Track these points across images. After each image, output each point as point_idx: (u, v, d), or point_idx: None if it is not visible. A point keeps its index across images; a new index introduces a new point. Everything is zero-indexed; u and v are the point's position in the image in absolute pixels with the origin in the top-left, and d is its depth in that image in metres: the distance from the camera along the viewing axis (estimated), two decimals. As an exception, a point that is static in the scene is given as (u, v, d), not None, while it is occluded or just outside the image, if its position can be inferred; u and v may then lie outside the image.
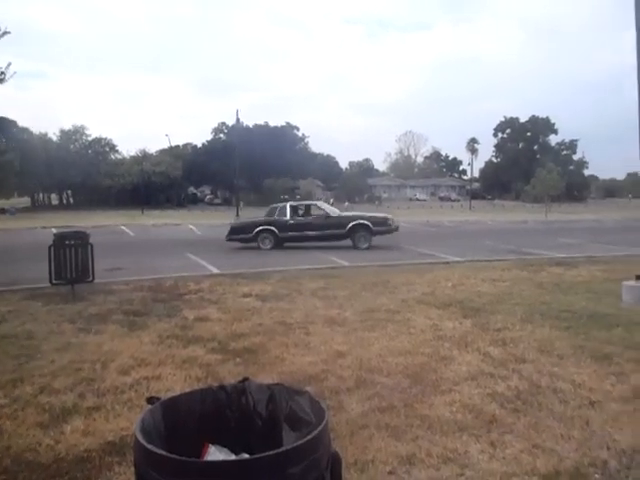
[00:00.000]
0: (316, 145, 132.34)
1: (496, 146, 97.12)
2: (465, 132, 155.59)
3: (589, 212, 49.81)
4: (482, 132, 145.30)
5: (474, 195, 77.04)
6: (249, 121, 72.71)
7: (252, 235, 16.49)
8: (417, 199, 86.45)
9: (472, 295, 7.95)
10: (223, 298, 7.95)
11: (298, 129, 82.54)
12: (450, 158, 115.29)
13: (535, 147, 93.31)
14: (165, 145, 74.96)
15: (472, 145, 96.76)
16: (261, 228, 16.52)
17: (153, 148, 72.37)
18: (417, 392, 4.22)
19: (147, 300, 7.88)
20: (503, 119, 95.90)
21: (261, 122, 75.66)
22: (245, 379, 1.95)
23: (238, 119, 43.32)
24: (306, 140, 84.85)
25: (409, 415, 3.78)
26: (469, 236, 22.59)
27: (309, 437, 1.46)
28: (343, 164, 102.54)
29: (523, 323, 6.23)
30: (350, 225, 16.49)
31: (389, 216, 18.41)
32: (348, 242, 16.55)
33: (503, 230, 25.99)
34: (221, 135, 78.20)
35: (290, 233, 16.61)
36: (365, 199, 78.86)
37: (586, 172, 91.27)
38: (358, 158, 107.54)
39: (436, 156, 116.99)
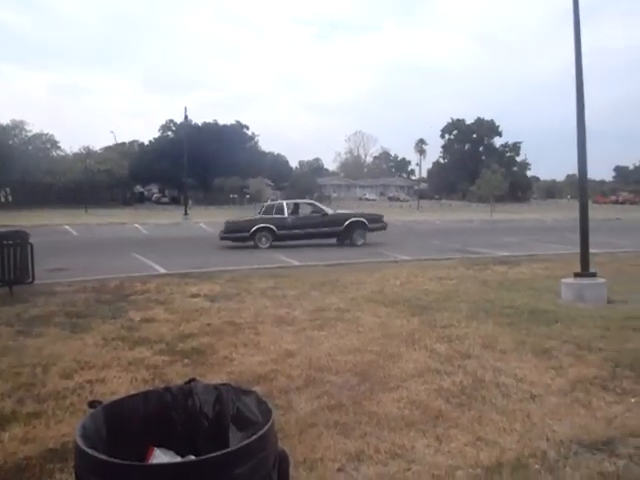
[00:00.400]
0: (266, 144, 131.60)
1: (443, 147, 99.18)
2: (414, 133, 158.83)
3: (531, 212, 51.55)
4: (430, 133, 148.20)
5: (422, 195, 78.45)
6: (199, 119, 71.65)
7: (249, 234, 16.40)
8: (366, 199, 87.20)
9: (420, 293, 8.10)
10: (171, 298, 7.81)
11: (248, 128, 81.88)
12: (399, 158, 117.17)
13: (480, 148, 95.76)
14: (110, 142, 72.94)
15: (420, 146, 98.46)
16: (259, 226, 16.45)
17: (98, 145, 70.24)
18: (365, 389, 4.26)
19: (91, 301, 7.66)
20: (450, 121, 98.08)
21: (210, 120, 74.71)
22: (192, 380, 1.92)
23: (186, 116, 42.47)
24: (256, 139, 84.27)
25: (357, 412, 3.82)
26: (417, 235, 22.99)
27: (255, 437, 1.46)
28: (293, 163, 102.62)
29: (468, 320, 6.39)
30: (347, 222, 16.99)
31: (381, 214, 19.21)
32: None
33: (450, 229, 26.61)
34: (169, 133, 76.71)
35: (288, 231, 16.65)
36: (315, 198, 79.03)
37: (529, 173, 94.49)
38: (308, 157, 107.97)
39: (385, 156, 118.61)
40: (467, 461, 3.13)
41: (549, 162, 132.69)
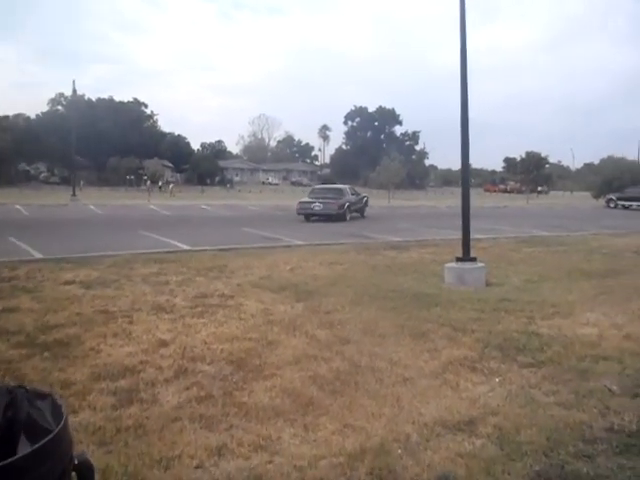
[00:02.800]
0: (167, 124, 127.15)
1: (346, 134, 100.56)
2: (318, 119, 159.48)
3: (427, 199, 53.66)
4: (334, 119, 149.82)
5: (325, 180, 79.11)
6: (95, 95, 67.65)
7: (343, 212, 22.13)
8: (270, 183, 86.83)
9: (308, 278, 8.06)
10: (41, 286, 7.20)
11: (147, 106, 78.62)
12: (303, 143, 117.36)
13: (382, 136, 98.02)
14: (-11, 114, 66.89)
15: (324, 132, 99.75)
16: (347, 205, 22.39)
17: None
18: (239, 379, 4.11)
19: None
20: (353, 108, 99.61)
21: (105, 96, 70.86)
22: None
23: (75, 90, 39.64)
24: (155, 118, 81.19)
25: (226, 404, 3.66)
26: (315, 220, 23.08)
27: (41, 444, 1.25)
28: (195, 145, 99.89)
29: (352, 305, 6.41)
30: (364, 200, 25.45)
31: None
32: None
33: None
34: (59, 107, 71.84)
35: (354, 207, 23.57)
36: (216, 182, 77.54)
37: (427, 162, 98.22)
38: (211, 139, 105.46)
39: (289, 141, 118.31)
40: (331, 449, 3.08)
41: (446, 151, 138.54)
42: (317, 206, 21.64)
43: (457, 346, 4.94)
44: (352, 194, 24.11)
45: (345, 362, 4.50)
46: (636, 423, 3.40)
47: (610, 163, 59.81)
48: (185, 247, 11.77)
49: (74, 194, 33.13)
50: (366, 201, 25.73)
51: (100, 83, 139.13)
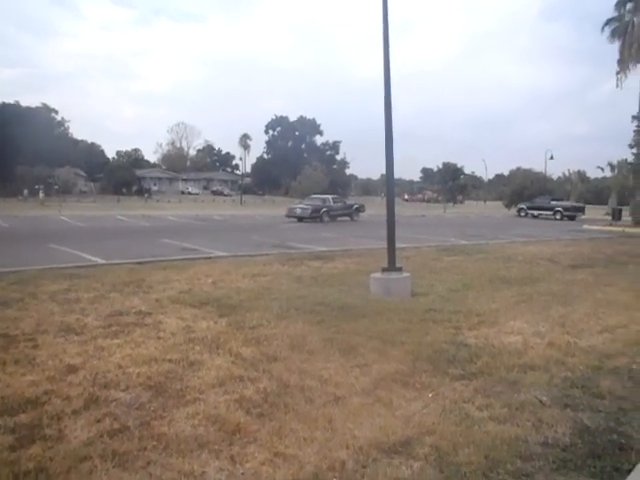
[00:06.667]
0: (80, 132, 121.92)
1: (267, 143, 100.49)
2: (239, 128, 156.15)
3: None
4: (255, 129, 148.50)
5: (246, 190, 78.38)
6: (-1, 99, 63.38)
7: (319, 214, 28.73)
8: (189, 193, 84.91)
9: (231, 292, 7.73)
10: None
11: (57, 112, 74.86)
12: (223, 152, 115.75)
13: (303, 146, 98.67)
14: None
15: (245, 141, 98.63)
16: (324, 210, 29.09)
17: None
18: (157, 406, 3.77)
19: None
20: (274, 117, 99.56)
21: (11, 101, 66.59)
22: None
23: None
24: (67, 125, 77.44)
25: (144, 436, 3.31)
26: (237, 230, 22.66)
27: None
28: (111, 153, 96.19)
29: (278, 319, 6.16)
30: (354, 207, 32.50)
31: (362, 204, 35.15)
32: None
33: (270, 224, 26.70)
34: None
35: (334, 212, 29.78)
36: (134, 191, 74.86)
37: (347, 172, 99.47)
38: (127, 148, 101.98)
39: (209, 150, 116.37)
40: (262, 484, 2.82)
41: (366, 161, 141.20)
42: (298, 210, 29.06)
43: (387, 360, 4.82)
44: (335, 202, 31.00)
45: (273, 382, 4.25)
46: (569, 436, 3.38)
47: (519, 174, 62.91)
48: (99, 261, 11.02)
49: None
50: (357, 208, 32.56)
51: (5, 87, 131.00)
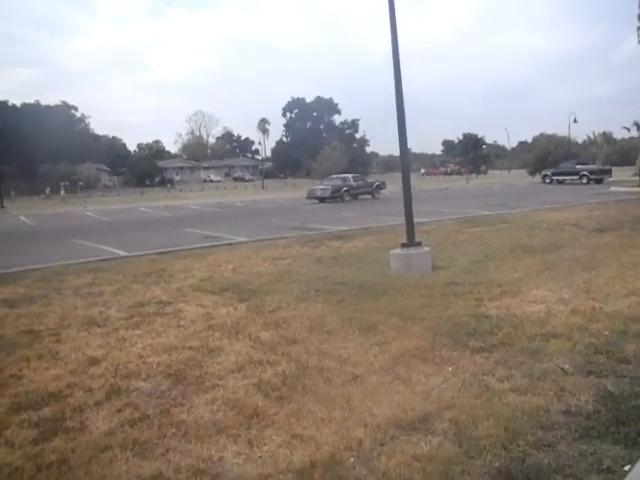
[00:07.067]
0: (101, 127, 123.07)
1: (285, 125, 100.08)
2: (256, 113, 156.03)
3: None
4: (273, 112, 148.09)
5: (267, 174, 78.54)
6: (19, 100, 64.47)
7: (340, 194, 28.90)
8: (211, 180, 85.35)
9: (251, 277, 7.75)
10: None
11: (77, 109, 75.76)
12: (242, 138, 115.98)
13: (321, 126, 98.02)
14: None
15: (263, 125, 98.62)
16: (345, 189, 29.35)
17: None
18: (177, 394, 3.80)
19: None
20: (291, 99, 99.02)
21: (31, 101, 67.62)
22: None
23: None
24: (87, 121, 78.41)
25: (163, 424, 3.35)
26: (258, 215, 22.72)
27: None
28: (132, 146, 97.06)
29: (298, 301, 6.15)
30: (375, 185, 32.11)
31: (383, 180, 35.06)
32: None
33: (291, 207, 26.72)
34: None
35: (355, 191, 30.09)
36: (156, 183, 75.58)
37: (368, 149, 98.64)
38: (148, 140, 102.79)
39: (228, 136, 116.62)
40: (278, 466, 2.83)
41: (387, 138, 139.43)
42: (318, 191, 29.48)
43: (407, 336, 4.77)
44: (356, 181, 30.98)
45: (292, 364, 4.25)
46: (592, 403, 3.30)
47: (542, 140, 61.66)
48: (122, 253, 11.17)
49: (2, 205, 31.43)
50: (377, 185, 32.20)
51: (25, 87, 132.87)
